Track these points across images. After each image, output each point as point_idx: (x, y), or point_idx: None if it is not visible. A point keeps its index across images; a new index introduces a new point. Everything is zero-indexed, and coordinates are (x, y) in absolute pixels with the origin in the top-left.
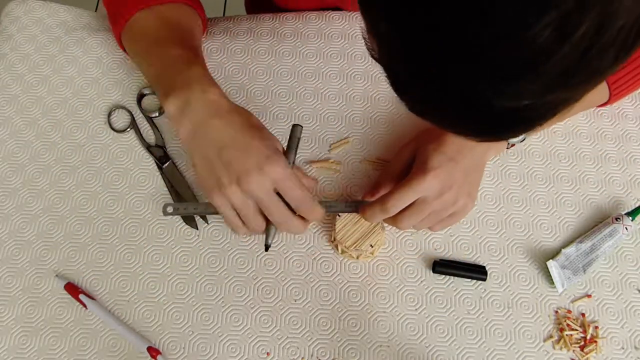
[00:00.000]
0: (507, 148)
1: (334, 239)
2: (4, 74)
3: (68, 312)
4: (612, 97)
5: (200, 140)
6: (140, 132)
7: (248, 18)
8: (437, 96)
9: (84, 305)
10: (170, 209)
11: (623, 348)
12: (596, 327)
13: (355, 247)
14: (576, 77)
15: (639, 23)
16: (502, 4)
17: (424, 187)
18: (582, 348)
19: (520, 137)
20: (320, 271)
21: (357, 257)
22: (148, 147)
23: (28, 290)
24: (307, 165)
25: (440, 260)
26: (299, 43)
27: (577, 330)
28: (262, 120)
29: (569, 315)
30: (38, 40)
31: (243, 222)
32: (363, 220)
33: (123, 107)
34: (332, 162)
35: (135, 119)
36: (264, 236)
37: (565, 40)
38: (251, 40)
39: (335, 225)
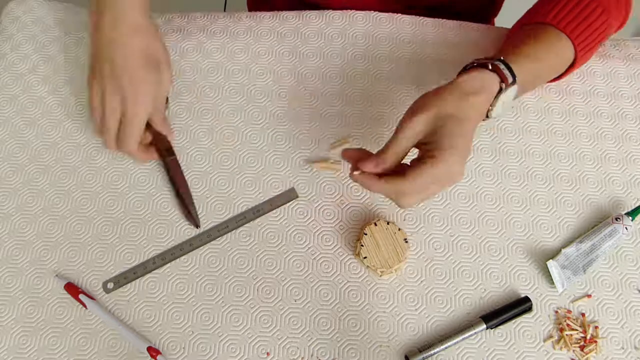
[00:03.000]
0: (483, 120)
1: (358, 254)
2: (4, 74)
3: (68, 312)
4: (578, 49)
5: (100, 51)
6: None
7: (248, 16)
8: None
9: (84, 305)
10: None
11: (623, 348)
12: (596, 327)
13: (384, 267)
14: None
15: None
16: None
17: (445, 174)
18: (582, 348)
19: (500, 112)
20: (320, 271)
21: (381, 275)
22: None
23: (28, 290)
24: (307, 165)
25: (488, 314)
26: (299, 43)
27: (577, 330)
28: (262, 120)
29: (569, 315)
30: (38, 40)
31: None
32: (387, 236)
33: None
34: (332, 162)
35: None
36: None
37: None
38: (251, 40)
39: (360, 241)
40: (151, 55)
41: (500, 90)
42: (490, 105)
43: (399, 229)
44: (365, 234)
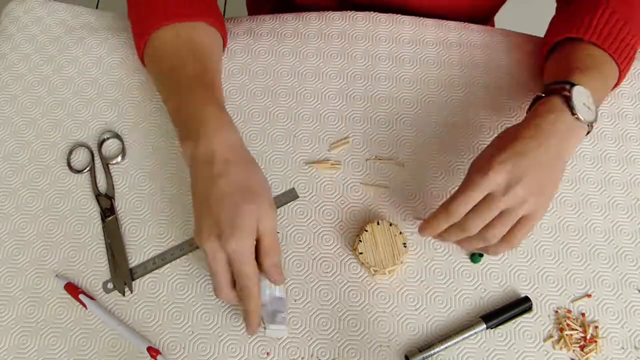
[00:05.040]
0: (588, 132)
1: (355, 248)
2: (4, 74)
3: (68, 312)
4: (621, 64)
5: (197, 189)
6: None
7: (248, 19)
8: None
9: (84, 305)
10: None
11: (623, 348)
12: (596, 327)
13: (378, 267)
14: None
15: None
16: None
17: (489, 182)
18: (582, 348)
19: (592, 114)
20: (320, 271)
21: (374, 274)
22: (97, 196)
23: (28, 290)
24: (307, 166)
25: (488, 314)
26: (299, 43)
27: (577, 330)
28: (262, 120)
29: (569, 315)
30: (38, 40)
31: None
32: (386, 237)
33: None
34: (332, 163)
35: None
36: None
37: None
38: (251, 41)
39: (360, 237)
40: (246, 188)
41: (568, 99)
42: (572, 112)
43: (400, 233)
44: (366, 231)
